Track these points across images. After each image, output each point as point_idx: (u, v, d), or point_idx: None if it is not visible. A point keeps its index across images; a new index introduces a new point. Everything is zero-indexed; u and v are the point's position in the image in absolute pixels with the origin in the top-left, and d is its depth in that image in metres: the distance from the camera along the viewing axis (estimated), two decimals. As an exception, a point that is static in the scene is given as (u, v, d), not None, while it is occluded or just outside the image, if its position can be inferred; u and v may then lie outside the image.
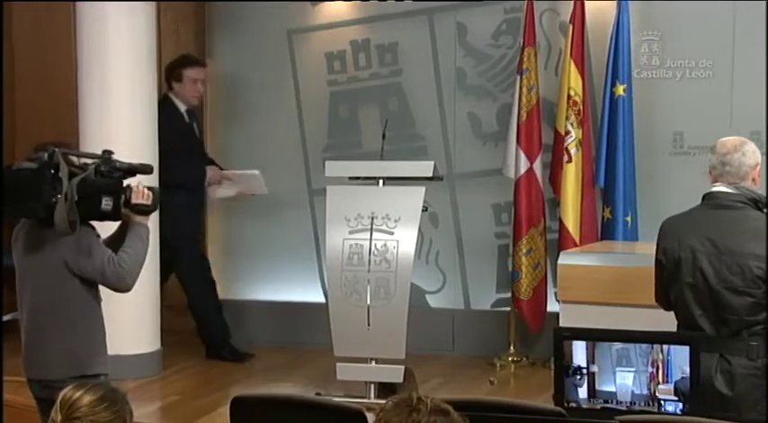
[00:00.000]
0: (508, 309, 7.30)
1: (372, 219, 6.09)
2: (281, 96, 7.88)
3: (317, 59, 7.84)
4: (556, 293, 6.30)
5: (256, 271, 7.92)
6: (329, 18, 7.82)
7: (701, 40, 7.03)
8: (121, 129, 6.63)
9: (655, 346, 3.90)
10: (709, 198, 4.33)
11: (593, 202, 7.05)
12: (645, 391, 3.90)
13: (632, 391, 3.91)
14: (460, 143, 7.59)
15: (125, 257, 4.52)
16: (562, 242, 6.89)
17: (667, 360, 3.88)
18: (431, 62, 7.63)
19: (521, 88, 7.09)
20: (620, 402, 3.93)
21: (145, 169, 4.69)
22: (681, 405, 3.87)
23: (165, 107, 7.08)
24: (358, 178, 6.35)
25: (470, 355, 7.35)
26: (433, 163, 6.20)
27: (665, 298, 4.39)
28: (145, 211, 4.58)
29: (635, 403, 3.92)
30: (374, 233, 6.07)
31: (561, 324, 5.13)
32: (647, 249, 5.89)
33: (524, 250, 7.10)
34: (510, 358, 7.23)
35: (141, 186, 4.57)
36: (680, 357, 3.88)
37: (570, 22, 7.03)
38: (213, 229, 8.05)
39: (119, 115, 6.70)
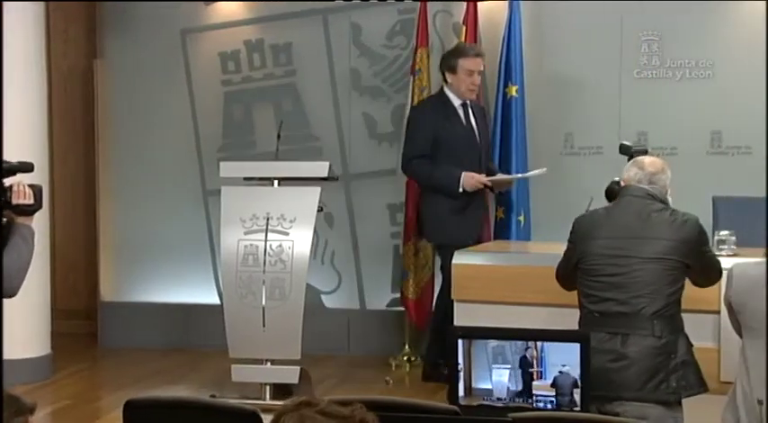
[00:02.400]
0: (402, 308, 7.32)
1: (267, 219, 6.06)
2: (175, 96, 7.79)
3: (210, 59, 7.78)
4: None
5: (149, 272, 7.82)
6: (222, 18, 7.75)
7: (585, 44, 7.14)
8: (10, 128, 6.47)
9: (529, 342, 3.94)
10: (626, 191, 4.47)
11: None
12: (520, 388, 3.94)
13: (508, 388, 3.96)
14: (355, 143, 7.59)
15: (8, 261, 4.39)
16: (456, 242, 6.92)
17: (541, 357, 3.92)
18: (325, 62, 7.61)
19: (413, 89, 7.13)
20: (497, 399, 3.97)
21: (24, 167, 4.53)
22: (554, 400, 3.92)
23: (438, 101, 6.64)
24: (253, 179, 6.31)
25: (366, 354, 7.36)
26: (328, 163, 6.19)
27: (569, 279, 4.53)
28: (27, 211, 4.44)
29: (511, 399, 3.96)
30: (269, 234, 6.03)
31: (456, 323, 5.15)
32: (539, 249, 5.99)
33: (413, 250, 7.13)
34: (405, 358, 7.25)
35: (22, 185, 4.42)
36: (557, 353, 3.92)
37: (463, 23, 7.09)
38: (105, 229, 7.92)
39: (7, 115, 6.54)
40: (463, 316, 5.26)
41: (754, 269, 4.06)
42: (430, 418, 3.27)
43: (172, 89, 7.79)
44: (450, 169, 6.45)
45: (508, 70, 7.02)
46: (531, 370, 3.95)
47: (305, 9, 7.59)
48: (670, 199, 4.48)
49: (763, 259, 4.04)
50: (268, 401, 5.91)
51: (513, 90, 7.01)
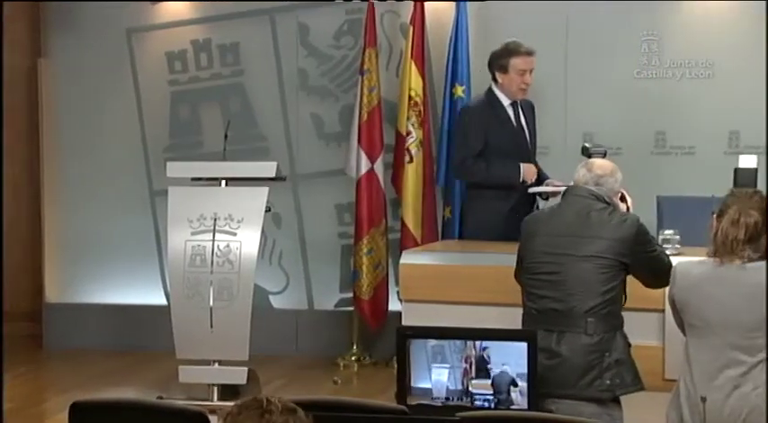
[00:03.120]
0: (351, 308, 7.32)
1: (215, 220, 6.03)
2: (121, 96, 7.73)
3: (157, 59, 7.72)
4: (398, 292, 6.34)
5: (95, 273, 7.75)
6: (169, 17, 7.71)
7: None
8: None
9: (468, 342, 3.96)
10: (571, 191, 4.53)
11: (433, 201, 7.13)
12: (459, 387, 3.95)
13: (447, 387, 3.96)
14: (303, 143, 7.58)
15: None
16: (403, 241, 6.95)
17: (480, 355, 3.93)
18: (273, 62, 7.59)
19: (362, 89, 7.12)
20: (436, 398, 3.97)
21: None
22: (493, 399, 3.93)
23: (486, 101, 6.25)
24: (200, 179, 6.27)
25: (314, 355, 7.35)
26: (275, 163, 6.17)
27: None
28: None
29: (450, 399, 3.96)
30: (217, 234, 6.00)
31: (404, 323, 5.15)
32: (487, 248, 6.00)
33: (365, 250, 7.13)
34: (353, 358, 7.25)
35: None
36: (498, 352, 3.94)
37: (410, 23, 7.10)
38: (50, 230, 7.84)
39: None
40: (411, 316, 5.27)
41: (697, 268, 4.10)
42: (378, 418, 3.27)
43: (118, 89, 7.73)
44: (506, 161, 6.14)
45: (455, 71, 7.04)
46: (488, 367, 3.94)
47: (252, 9, 7.56)
48: (630, 202, 4.55)
49: (706, 258, 4.09)
50: (216, 402, 5.88)
51: (460, 90, 7.03)
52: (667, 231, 5.16)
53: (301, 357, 7.37)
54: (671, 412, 4.09)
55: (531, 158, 6.25)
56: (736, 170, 5.14)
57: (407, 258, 5.60)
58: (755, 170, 5.09)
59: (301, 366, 7.17)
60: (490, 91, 6.18)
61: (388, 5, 7.36)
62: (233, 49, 7.66)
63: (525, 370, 3.94)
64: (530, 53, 6.17)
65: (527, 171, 6.09)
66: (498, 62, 6.14)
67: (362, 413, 3.39)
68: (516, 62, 6.11)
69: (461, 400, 3.94)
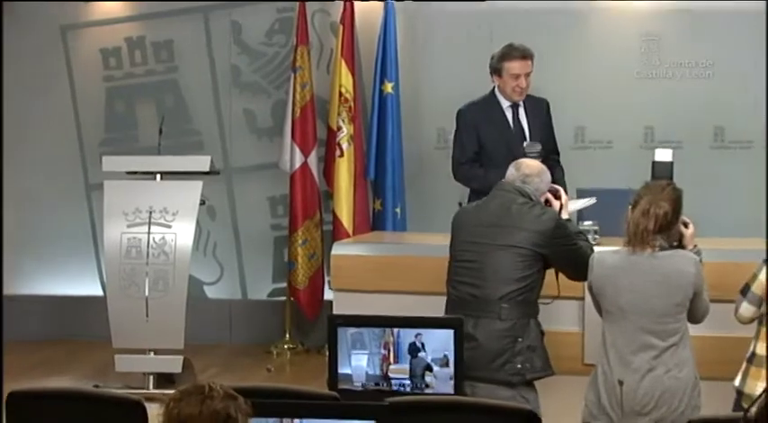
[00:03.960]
0: (284, 298, 7.30)
1: (150, 213, 5.99)
2: (56, 91, 7.63)
3: (91, 56, 7.63)
4: (329, 282, 6.34)
5: (32, 265, 7.65)
6: (103, 15, 7.62)
7: (455, 42, 7.21)
8: None
9: (386, 329, 3.99)
10: (498, 186, 4.59)
11: (364, 194, 7.14)
12: (378, 372, 3.99)
13: (366, 372, 4.00)
14: (237, 138, 7.54)
15: None
16: (336, 233, 6.95)
17: (397, 342, 3.97)
18: (206, 59, 7.55)
19: (294, 85, 7.11)
20: (356, 383, 4.01)
21: None
22: (409, 383, 3.98)
23: (483, 103, 5.97)
24: (135, 173, 6.21)
25: (248, 343, 7.32)
26: (209, 157, 6.14)
27: None
28: None
29: (369, 383, 4.00)
30: (152, 227, 5.97)
31: (335, 312, 5.15)
32: (415, 239, 6.04)
33: (300, 241, 7.12)
34: (286, 346, 7.23)
35: None
36: (429, 340, 3.98)
37: (341, 22, 7.09)
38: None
39: None
40: (342, 305, 5.27)
41: (612, 257, 4.17)
42: (310, 403, 3.27)
43: (53, 84, 7.62)
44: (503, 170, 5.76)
45: (383, 68, 7.05)
46: (419, 355, 3.97)
47: (186, 7, 7.51)
48: (564, 199, 4.62)
49: (621, 247, 4.16)
50: (151, 390, 5.84)
51: (389, 87, 7.04)
52: (586, 222, 5.21)
53: (235, 346, 7.34)
54: (589, 394, 4.16)
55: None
56: (653, 163, 5.21)
57: (339, 249, 5.60)
58: (671, 163, 5.17)
59: (235, 354, 7.14)
60: (492, 92, 5.94)
61: (318, 5, 7.35)
62: (167, 47, 7.59)
63: (442, 355, 3.97)
64: (524, 57, 5.82)
65: None
66: (494, 66, 5.88)
67: (295, 399, 3.39)
68: (509, 66, 5.81)
69: (380, 384, 3.99)
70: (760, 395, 2.89)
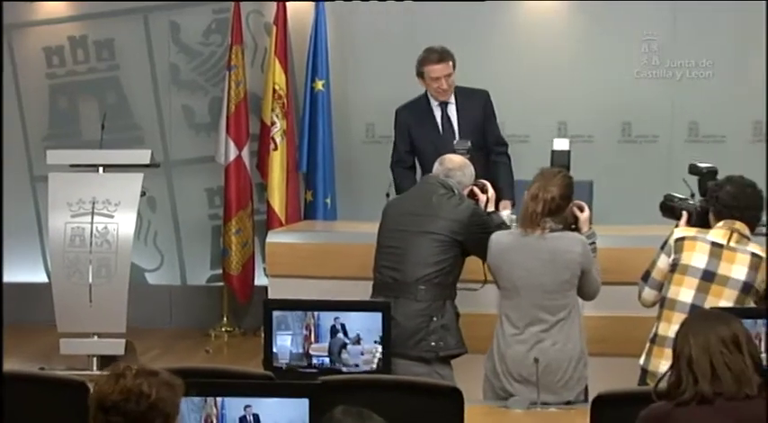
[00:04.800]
0: (221, 284, 7.28)
1: (93, 204, 5.96)
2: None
3: (35, 54, 7.53)
4: (264, 269, 6.34)
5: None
6: (46, 15, 7.52)
7: (383, 40, 7.23)
8: None
9: (307, 312, 4.04)
10: (422, 179, 4.71)
11: (296, 185, 7.14)
12: (300, 351, 4.04)
13: (291, 351, 4.05)
14: (175, 133, 7.50)
15: None
16: (269, 222, 6.95)
17: (317, 324, 4.03)
18: (146, 58, 7.48)
19: (230, 83, 7.08)
20: (281, 361, 4.06)
21: None
22: (328, 360, 4.05)
23: (415, 103, 5.81)
24: (79, 166, 6.16)
25: (187, 327, 7.29)
26: (149, 151, 6.11)
27: None
28: None
29: (292, 361, 4.05)
30: (95, 217, 5.94)
31: (270, 296, 5.16)
32: (345, 227, 6.05)
33: (234, 230, 7.11)
34: (223, 329, 7.22)
35: None
36: (358, 321, 4.04)
37: (274, 23, 7.08)
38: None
39: None
40: (277, 290, 5.28)
41: (506, 237, 4.30)
42: (246, 383, 3.28)
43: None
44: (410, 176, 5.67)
45: (315, 66, 7.05)
46: (338, 335, 4.03)
47: (126, 8, 7.43)
48: (491, 193, 4.69)
49: (516, 229, 4.24)
50: (95, 372, 5.80)
51: (320, 84, 7.04)
52: (504, 212, 5.27)
53: (175, 329, 7.30)
54: (487, 363, 4.29)
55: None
56: (552, 152, 5.30)
57: (273, 237, 5.60)
58: (568, 152, 5.28)
59: (175, 337, 7.11)
60: (425, 92, 5.77)
61: (252, 5, 7.33)
62: (108, 46, 7.52)
63: (355, 334, 4.03)
64: (441, 60, 5.64)
65: None
66: (417, 70, 5.72)
67: (231, 379, 3.39)
68: (428, 70, 5.66)
69: (301, 361, 4.04)
70: (666, 372, 2.98)
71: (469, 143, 5.24)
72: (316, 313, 4.04)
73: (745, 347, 2.87)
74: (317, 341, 4.04)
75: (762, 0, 6.67)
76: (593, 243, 4.34)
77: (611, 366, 4.67)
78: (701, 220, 4.30)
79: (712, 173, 4.63)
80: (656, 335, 4.18)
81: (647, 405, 2.94)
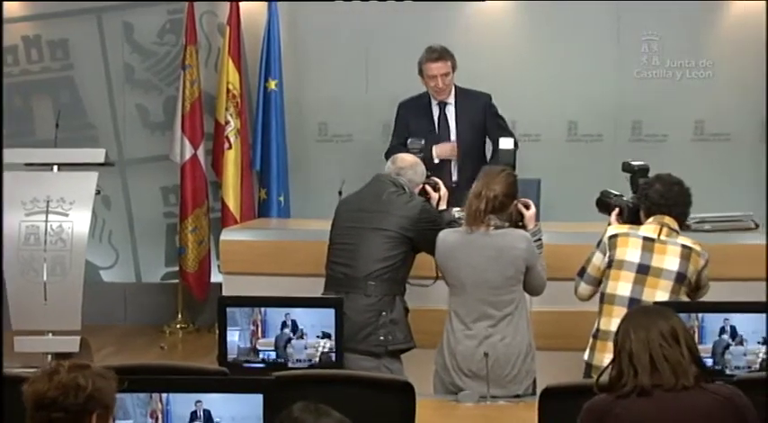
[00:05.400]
0: (176, 281, 7.24)
1: (48, 202, 5.89)
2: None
3: (-11, 53, 7.43)
4: (219, 266, 6.31)
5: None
6: None
7: (332, 41, 7.22)
8: None
9: (254, 308, 4.04)
10: (375, 177, 4.68)
11: (250, 184, 7.12)
12: (248, 345, 4.05)
13: (238, 346, 4.05)
14: (130, 132, 7.44)
15: None
16: (224, 220, 6.92)
17: (264, 319, 4.03)
18: (100, 58, 7.41)
19: (184, 82, 7.04)
20: (230, 356, 4.06)
21: None
22: (274, 354, 4.05)
23: (417, 98, 5.89)
24: (33, 164, 6.08)
25: (142, 324, 7.24)
26: (104, 150, 6.06)
27: None
28: None
29: (241, 355, 4.05)
30: (50, 215, 5.87)
31: (224, 293, 5.13)
32: (298, 225, 6.04)
33: (190, 228, 7.07)
34: (178, 325, 7.18)
35: None
36: (276, 317, 4.04)
37: (227, 23, 7.05)
38: None
39: None
40: (231, 287, 5.25)
41: (452, 235, 4.32)
42: (201, 379, 3.26)
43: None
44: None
45: (268, 66, 7.03)
46: (284, 331, 4.05)
47: (79, 8, 7.36)
48: (443, 192, 4.72)
49: (463, 228, 4.25)
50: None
51: (273, 84, 7.03)
52: (455, 210, 5.29)
53: (130, 326, 7.25)
54: (438, 358, 4.31)
55: (452, 161, 5.80)
56: (499, 151, 5.33)
57: (227, 235, 5.58)
58: (513, 150, 5.31)
59: (130, 334, 7.05)
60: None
61: (206, 6, 7.29)
62: (62, 45, 7.44)
63: (299, 329, 4.05)
64: (436, 59, 5.70)
65: (441, 150, 5.76)
66: (418, 67, 5.79)
67: (186, 375, 3.37)
68: (426, 67, 5.75)
69: (249, 355, 4.05)
70: (608, 365, 3.02)
71: (422, 142, 5.28)
72: (263, 309, 4.04)
73: (683, 340, 2.93)
74: (263, 336, 4.05)
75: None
76: (539, 239, 4.37)
77: (559, 360, 4.71)
78: (632, 217, 4.40)
79: (644, 171, 4.73)
80: (598, 330, 4.24)
81: (592, 397, 2.97)
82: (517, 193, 4.33)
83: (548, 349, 4.63)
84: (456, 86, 5.86)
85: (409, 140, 5.32)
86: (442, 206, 4.71)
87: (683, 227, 4.32)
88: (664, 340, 2.90)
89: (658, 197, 4.24)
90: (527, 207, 4.41)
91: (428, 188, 4.73)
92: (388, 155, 5.71)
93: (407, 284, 4.60)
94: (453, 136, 5.78)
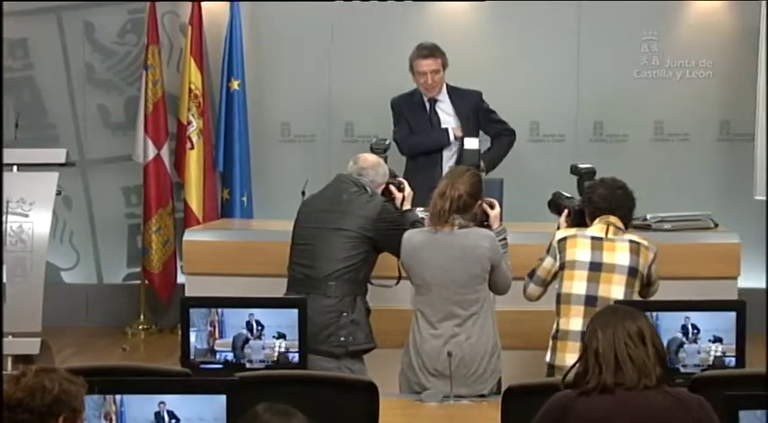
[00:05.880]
0: (138, 282, 7.18)
1: (8, 203, 5.82)
2: None
3: (-52, 52, 7.33)
4: (182, 267, 6.27)
5: None
6: (-43, 13, 7.32)
7: (295, 41, 7.20)
8: None
9: (211, 309, 4.02)
10: (336, 177, 4.69)
11: (213, 184, 7.08)
12: (206, 346, 4.03)
13: (195, 347, 4.03)
14: (91, 132, 7.37)
15: None
16: (187, 220, 6.89)
17: (221, 320, 4.02)
18: (61, 57, 7.34)
19: (146, 82, 6.99)
20: (188, 357, 4.05)
21: None
22: (231, 355, 4.03)
23: (410, 93, 5.93)
24: (-8, 165, 6.01)
25: (104, 325, 7.17)
26: (65, 150, 6.00)
27: None
28: None
29: (198, 356, 4.04)
30: (10, 216, 5.81)
31: (187, 294, 5.10)
32: (261, 225, 6.02)
33: (154, 228, 7.02)
34: (140, 327, 7.12)
35: None
36: (236, 318, 4.03)
37: (189, 23, 7.01)
38: None
39: None
40: (194, 287, 5.22)
41: (417, 235, 4.32)
42: (164, 380, 3.23)
43: None
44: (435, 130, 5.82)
45: (230, 66, 7.00)
46: (241, 331, 4.02)
47: (39, 7, 7.29)
48: (407, 191, 4.70)
49: (427, 228, 4.25)
50: (10, 372, 5.66)
51: (236, 84, 6.99)
52: (418, 209, 5.29)
53: (92, 328, 7.18)
54: (404, 357, 4.31)
55: (444, 157, 5.86)
56: (464, 151, 5.34)
57: (190, 235, 5.55)
58: (478, 151, 5.35)
59: (92, 336, 6.99)
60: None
61: (168, 6, 7.24)
62: (22, 45, 7.36)
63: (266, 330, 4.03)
64: (426, 56, 5.74)
65: (456, 131, 5.84)
66: (409, 64, 5.83)
67: (149, 376, 3.34)
68: (416, 64, 5.79)
69: (206, 356, 4.03)
70: (575, 363, 3.04)
71: (387, 142, 5.28)
72: (220, 310, 4.02)
73: (650, 341, 2.97)
74: (221, 337, 4.03)
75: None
76: (504, 239, 4.39)
77: (523, 359, 4.73)
78: (578, 219, 4.47)
79: (590, 173, 4.80)
80: (557, 331, 4.27)
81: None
82: (482, 193, 4.34)
83: (512, 348, 4.64)
84: (447, 85, 5.92)
85: (374, 140, 5.32)
86: (407, 206, 4.70)
87: (629, 227, 4.40)
88: (630, 340, 2.94)
89: (601, 201, 4.32)
90: (492, 206, 4.42)
91: (392, 188, 4.73)
92: (402, 144, 5.87)
93: (371, 285, 4.60)
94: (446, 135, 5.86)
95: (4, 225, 5.53)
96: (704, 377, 3.47)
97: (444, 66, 5.83)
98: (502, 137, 6.01)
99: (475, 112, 5.91)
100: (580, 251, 4.25)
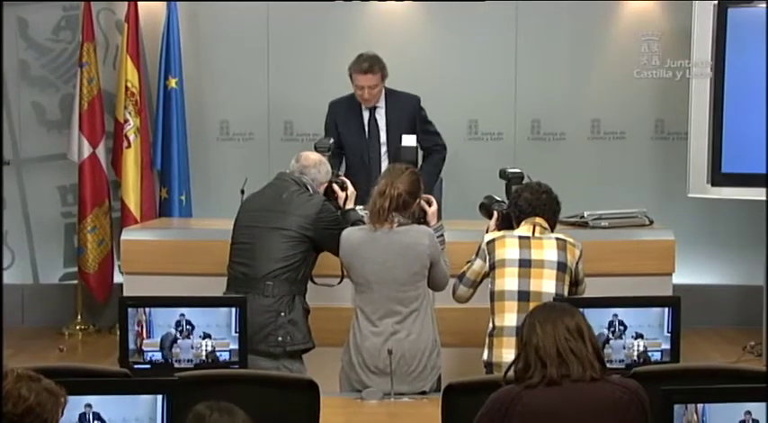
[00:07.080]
0: (75, 282, 7.10)
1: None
2: None
3: None
4: (119, 266, 6.21)
5: None
6: None
7: (234, 39, 7.17)
8: None
9: (139, 308, 4.02)
10: (277, 176, 4.71)
11: (151, 183, 7.02)
12: (134, 346, 4.02)
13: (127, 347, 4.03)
14: (25, 130, 7.26)
15: None
16: (124, 220, 6.81)
17: (149, 320, 4.02)
18: (-6, 54, 7.22)
19: (82, 80, 6.91)
20: (128, 357, 4.03)
21: None
22: (160, 355, 4.03)
23: (348, 99, 5.76)
24: None
25: (40, 326, 7.08)
26: (-2, 149, 5.90)
27: None
28: None
29: (128, 356, 4.04)
30: (-58, 216, 5.69)
31: (125, 294, 5.06)
32: (200, 224, 5.99)
33: (89, 228, 6.94)
34: (78, 327, 7.04)
35: None
36: (165, 317, 4.03)
37: (125, 20, 6.94)
38: None
39: None
40: (132, 287, 5.18)
41: (356, 233, 4.34)
42: (102, 381, 3.21)
43: None
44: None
45: (168, 64, 6.94)
46: (169, 331, 4.01)
47: (-30, 3, 7.16)
48: (350, 190, 4.70)
49: (367, 226, 4.30)
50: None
51: (173, 82, 6.94)
52: (359, 208, 5.30)
53: (28, 329, 7.08)
54: (344, 355, 4.33)
55: (371, 159, 5.71)
56: (401, 148, 5.34)
57: (128, 235, 5.51)
58: (416, 148, 5.36)
59: (28, 337, 6.89)
60: None
61: (103, 3, 7.16)
62: (-46, 41, 7.22)
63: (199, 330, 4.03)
64: (367, 71, 5.58)
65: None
66: (348, 71, 5.69)
67: (87, 377, 3.31)
68: (354, 77, 5.66)
69: (134, 357, 4.02)
70: (514, 360, 3.07)
71: (331, 141, 5.26)
72: (147, 309, 4.00)
73: (587, 336, 3.02)
74: (149, 337, 4.01)
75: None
76: (442, 235, 4.43)
77: (461, 357, 4.76)
78: (506, 223, 4.53)
79: (518, 178, 4.85)
80: (493, 328, 4.31)
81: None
82: (421, 192, 4.37)
83: (451, 346, 4.67)
84: (385, 88, 5.76)
85: (317, 140, 5.31)
86: (350, 205, 4.71)
87: (554, 229, 4.47)
88: (569, 334, 3.00)
89: (527, 205, 4.40)
90: (429, 204, 4.46)
91: (335, 187, 4.73)
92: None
93: (314, 284, 4.60)
94: (384, 139, 5.73)
95: (2, 224, 5.40)
96: (641, 372, 3.52)
97: (384, 78, 5.69)
98: (433, 154, 5.81)
99: (413, 116, 5.75)
100: (509, 250, 4.32)
